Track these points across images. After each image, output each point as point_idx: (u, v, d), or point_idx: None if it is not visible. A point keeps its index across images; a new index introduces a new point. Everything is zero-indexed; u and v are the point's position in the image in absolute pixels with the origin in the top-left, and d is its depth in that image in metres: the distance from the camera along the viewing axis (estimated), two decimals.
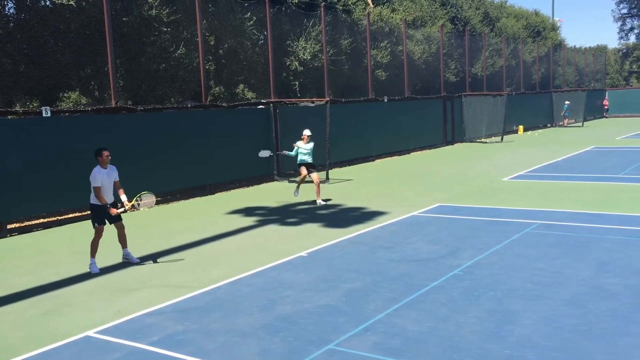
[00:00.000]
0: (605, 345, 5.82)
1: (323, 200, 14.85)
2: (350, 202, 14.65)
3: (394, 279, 8.26)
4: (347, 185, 18.06)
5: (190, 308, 7.41)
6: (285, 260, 9.45)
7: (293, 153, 15.07)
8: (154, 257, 9.95)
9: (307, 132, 14.92)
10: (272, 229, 12.08)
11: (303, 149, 14.84)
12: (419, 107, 28.41)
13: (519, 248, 9.61)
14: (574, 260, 8.76)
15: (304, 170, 14.84)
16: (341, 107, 22.89)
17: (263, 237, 11.28)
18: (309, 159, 14.85)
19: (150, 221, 13.42)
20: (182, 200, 16.31)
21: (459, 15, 36.47)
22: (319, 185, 14.83)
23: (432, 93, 30.95)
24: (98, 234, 9.28)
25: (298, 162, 14.98)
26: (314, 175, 14.75)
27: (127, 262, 9.62)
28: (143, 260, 9.60)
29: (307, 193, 16.25)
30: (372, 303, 7.29)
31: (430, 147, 28.96)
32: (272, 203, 15.16)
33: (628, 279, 7.81)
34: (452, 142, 30.96)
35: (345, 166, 22.77)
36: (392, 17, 29.08)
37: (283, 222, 12.66)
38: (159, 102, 18.11)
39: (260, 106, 20.31)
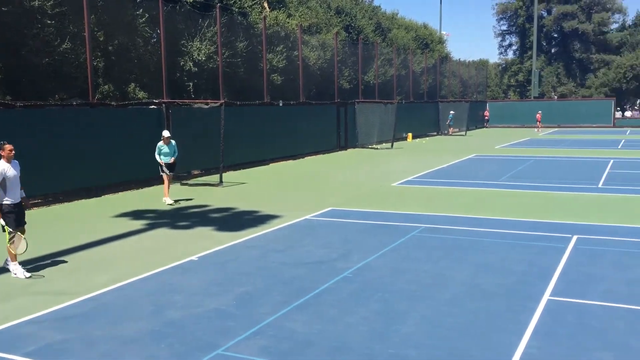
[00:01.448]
0: (481, 342, 6.20)
1: (173, 200, 15.14)
2: (243, 206, 14.58)
3: (286, 282, 8.32)
4: (241, 188, 17.96)
5: (72, 316, 7.05)
6: (175, 265, 9.24)
7: (157, 155, 15.23)
8: (34, 263, 9.37)
9: (166, 134, 15.19)
10: (162, 232, 11.77)
11: (164, 150, 15.07)
12: (314, 112, 28.84)
13: (406, 251, 10.01)
14: (455, 262, 9.25)
15: (166, 175, 15.15)
16: (236, 110, 22.75)
17: (152, 241, 10.96)
18: (170, 160, 15.15)
19: (31, 224, 12.59)
20: (66, 203, 15.47)
21: (353, 24, 37.45)
22: (168, 186, 15.18)
23: (326, 99, 31.52)
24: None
25: (161, 165, 15.19)
26: (168, 175, 15.15)
27: (5, 268, 8.98)
28: (23, 265, 9.01)
29: (197, 195, 15.99)
30: (262, 307, 7.30)
31: (324, 151, 29.45)
32: (163, 206, 14.76)
33: (503, 278, 8.37)
34: (345, 148, 31.68)
35: (240, 169, 22.63)
36: (288, 22, 29.33)
37: (173, 226, 12.36)
38: (42, 98, 17.09)
39: (152, 106, 19.72)
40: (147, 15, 20.50)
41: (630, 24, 76.17)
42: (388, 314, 7.04)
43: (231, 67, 24.32)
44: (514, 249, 9.97)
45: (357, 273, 8.70)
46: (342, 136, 31.61)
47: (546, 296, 7.56)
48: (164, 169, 15.14)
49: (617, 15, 74.94)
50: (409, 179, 19.33)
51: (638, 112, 73.69)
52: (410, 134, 39.17)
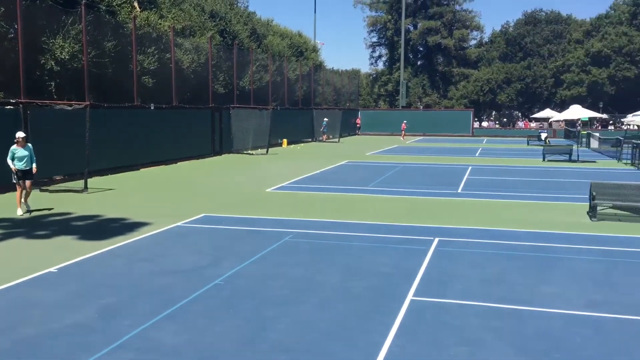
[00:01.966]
0: (348, 343, 6.37)
1: (28, 211, 13.78)
2: (109, 213, 13.90)
3: (153, 292, 8.03)
4: (108, 195, 17.12)
5: None
6: (31, 277, 8.59)
7: (10, 161, 13.64)
8: None
9: (20, 135, 13.69)
10: (17, 243, 10.90)
11: (19, 154, 13.59)
12: (188, 117, 28.22)
13: (277, 256, 10.06)
14: (325, 266, 9.44)
15: (23, 182, 13.60)
16: (104, 113, 21.68)
17: (7, 252, 10.12)
18: (26, 166, 13.66)
19: None
20: None
21: (228, 29, 37.16)
22: (29, 194, 13.83)
23: (201, 103, 30.97)
24: None
25: (15, 172, 13.59)
26: (28, 183, 13.68)
27: None
28: None
29: (58, 202, 15.02)
30: (127, 318, 6.98)
31: (198, 157, 28.90)
32: (20, 214, 13.68)
33: (370, 281, 8.66)
34: (220, 153, 31.30)
35: (107, 175, 21.56)
36: (160, 24, 28.49)
37: (31, 235, 11.50)
38: None
39: (8, 107, 18.25)
40: (3, 9, 18.97)
41: (487, 41, 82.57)
42: (258, 320, 7.02)
43: (98, 67, 23.14)
44: (382, 252, 10.37)
45: (228, 280, 8.60)
46: (216, 141, 31.21)
47: (409, 297, 7.93)
48: (18, 176, 13.56)
49: (475, 32, 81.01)
50: (283, 184, 19.49)
51: (493, 123, 79.98)
52: (285, 140, 39.54)
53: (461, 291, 8.20)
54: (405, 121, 52.22)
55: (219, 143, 31.48)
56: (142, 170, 23.73)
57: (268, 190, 18.22)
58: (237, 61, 35.01)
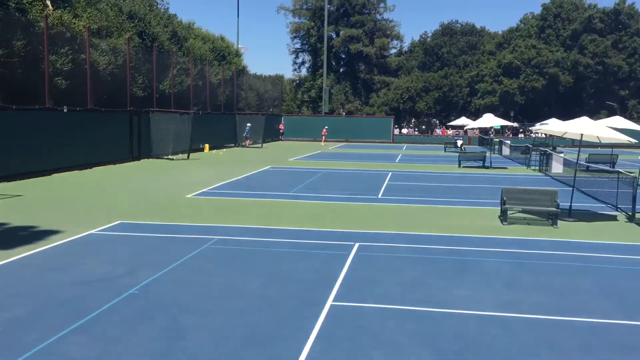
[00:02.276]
0: (267, 351, 6.33)
1: None
2: (17, 221, 13.18)
3: (63, 303, 7.67)
4: (16, 201, 16.23)
5: None
6: None
7: None
8: None
9: None
10: None
11: None
12: (104, 120, 27.24)
13: (197, 264, 9.87)
14: (246, 273, 9.36)
15: None
16: (11, 115, 20.56)
17: None
18: None
19: None
20: None
21: (147, 31, 36.25)
22: None
23: (118, 106, 29.99)
24: None
25: None
26: None
27: None
28: None
29: None
30: (34, 332, 6.63)
31: (115, 162, 27.95)
32: None
33: (291, 287, 8.66)
34: (138, 158, 30.42)
35: (16, 180, 20.45)
36: (75, 23, 27.39)
37: None
38: None
39: None
40: None
41: (406, 50, 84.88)
42: (175, 330, 6.85)
43: (6, 67, 21.95)
44: (303, 258, 10.39)
45: (144, 289, 8.35)
46: (135, 146, 30.31)
47: (329, 302, 7.99)
48: None
49: (395, 42, 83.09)
50: (204, 190, 19.18)
51: (413, 130, 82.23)
52: (207, 145, 38.96)
53: (380, 295, 8.34)
54: (326, 127, 52.78)
55: (138, 148, 30.59)
56: (54, 175, 22.67)
57: (188, 196, 17.87)
58: (157, 64, 34.19)
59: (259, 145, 47.22)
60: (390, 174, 25.91)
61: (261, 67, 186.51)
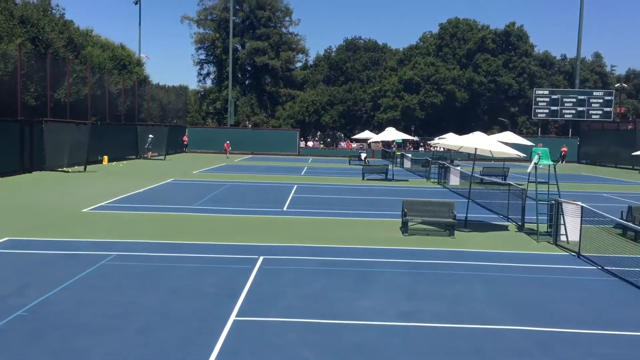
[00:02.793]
0: None
1: None
2: None
3: None
4: None
5: None
6: None
7: None
8: None
9: None
10: None
11: None
12: None
13: (93, 281, 9.42)
14: (147, 290, 9.04)
15: None
16: None
17: None
18: None
19: None
20: None
21: (40, 37, 34.46)
22: None
23: (8, 115, 28.20)
24: None
25: None
26: None
27: None
28: None
29: None
30: None
31: (3, 174, 26.20)
32: None
33: (194, 302, 8.45)
34: (30, 170, 28.69)
35: None
36: None
37: None
38: None
39: None
40: None
41: (312, 64, 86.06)
42: (68, 352, 6.49)
43: None
44: (207, 273, 10.19)
45: (34, 310, 7.85)
46: (26, 157, 28.57)
47: (232, 317, 7.88)
48: None
49: (300, 55, 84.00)
50: (103, 204, 18.38)
51: (318, 143, 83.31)
52: (106, 157, 37.42)
53: (283, 309, 8.33)
54: (228, 141, 52.34)
55: (29, 159, 28.86)
56: None
57: (85, 210, 17.06)
58: (51, 72, 32.51)
59: (162, 157, 46.00)
60: (295, 186, 26.04)
61: (165, 77, 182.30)
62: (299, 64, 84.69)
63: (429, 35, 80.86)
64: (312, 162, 47.68)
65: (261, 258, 11.40)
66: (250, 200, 20.74)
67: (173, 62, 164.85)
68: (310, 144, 80.00)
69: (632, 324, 8.14)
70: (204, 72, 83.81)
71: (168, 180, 26.88)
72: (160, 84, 58.07)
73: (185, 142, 57.21)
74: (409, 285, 9.86)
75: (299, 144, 61.26)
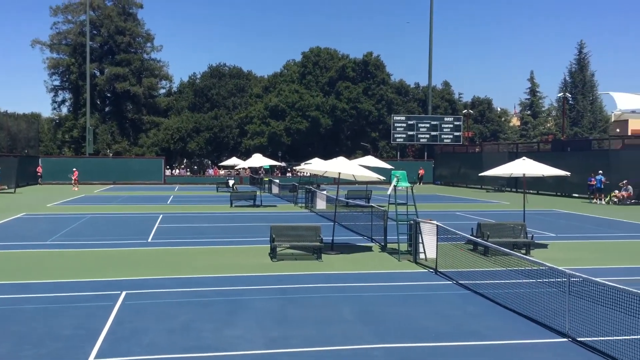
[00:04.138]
0: None
1: None
2: None
3: None
4: None
5: None
6: None
7: None
8: None
9: None
10: None
11: None
12: None
13: None
14: None
15: None
16: None
17: None
18: None
19: None
20: None
21: None
22: None
23: None
24: None
25: None
26: None
27: None
28: None
29: None
30: None
31: None
32: None
33: (46, 347, 7.81)
34: None
35: None
36: None
37: None
38: None
39: None
40: None
41: (176, 90, 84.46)
42: None
43: None
44: (62, 313, 9.48)
45: None
46: None
47: (91, 359, 7.38)
48: None
49: (164, 82, 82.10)
50: None
51: (185, 170, 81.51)
52: None
53: (147, 345, 7.96)
54: (75, 169, 48.58)
55: None
56: None
57: None
58: None
59: (12, 190, 42.49)
60: (161, 216, 25.19)
61: (14, 104, 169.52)
62: (162, 91, 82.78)
63: (292, 63, 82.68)
64: (179, 191, 46.48)
65: (124, 293, 10.84)
66: (111, 232, 19.72)
67: (24, 89, 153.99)
68: (176, 171, 77.99)
69: (485, 333, 8.74)
70: (59, 99, 78.98)
71: (18, 215, 24.84)
72: (8, 112, 53.90)
73: (39, 173, 53.33)
74: (279, 311, 9.86)
75: (165, 172, 59.52)
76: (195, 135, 74.33)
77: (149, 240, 18.09)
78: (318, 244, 14.99)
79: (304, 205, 30.89)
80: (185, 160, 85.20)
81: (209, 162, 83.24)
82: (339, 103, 73.34)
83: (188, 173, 78.64)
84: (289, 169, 66.85)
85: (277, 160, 59.33)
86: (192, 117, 75.85)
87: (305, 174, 51.53)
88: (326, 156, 42.72)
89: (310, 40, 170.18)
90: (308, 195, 30.73)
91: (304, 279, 12.39)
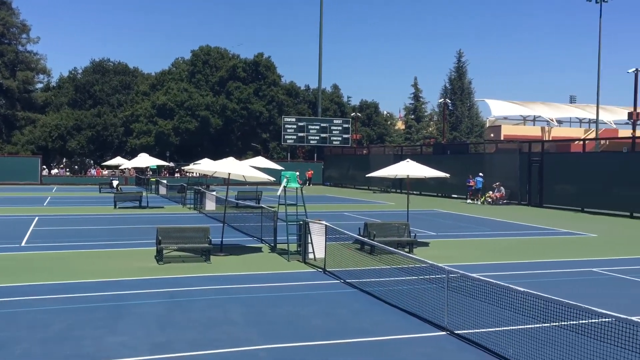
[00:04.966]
0: None
1: None
2: None
3: None
4: None
5: None
6: None
7: None
8: None
9: None
10: None
11: None
12: None
13: None
14: None
15: None
16: None
17: None
18: None
19: None
20: None
21: None
22: None
23: None
24: None
25: None
26: None
27: None
28: None
29: None
30: None
31: None
32: None
33: None
34: None
35: None
36: None
37: None
38: None
39: None
40: None
41: (55, 85, 79.61)
42: None
43: None
44: None
45: None
46: None
47: None
48: None
49: (42, 76, 77.06)
50: None
51: (64, 170, 76.99)
52: None
53: (20, 356, 7.43)
54: None
55: None
56: None
57: None
58: None
59: None
60: (36, 218, 23.63)
61: None
62: (39, 85, 77.68)
63: (181, 61, 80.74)
64: (57, 192, 43.87)
65: None
66: None
67: None
68: (55, 171, 73.45)
69: (370, 330, 9.00)
70: None
71: None
72: None
73: None
74: (164, 315, 9.58)
75: (41, 172, 55.91)
76: (76, 133, 70.44)
77: (22, 244, 16.93)
78: (206, 245, 14.74)
79: (192, 206, 30.25)
80: (64, 160, 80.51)
81: (92, 161, 79.20)
82: (230, 103, 72.60)
83: (68, 173, 74.29)
84: (177, 170, 65.18)
85: (165, 161, 57.64)
86: (72, 114, 71.81)
87: (194, 174, 50.53)
88: (216, 156, 42.08)
89: (200, 38, 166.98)
90: (197, 196, 30.13)
91: (192, 282, 12.13)
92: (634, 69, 52.13)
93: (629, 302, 10.84)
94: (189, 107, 70.78)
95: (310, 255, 14.65)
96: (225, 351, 7.86)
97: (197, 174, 46.50)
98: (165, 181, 43.99)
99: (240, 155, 56.48)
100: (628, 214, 27.69)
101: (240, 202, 28.11)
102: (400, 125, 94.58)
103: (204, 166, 21.99)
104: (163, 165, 53.72)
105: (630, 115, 55.39)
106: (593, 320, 7.12)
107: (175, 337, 8.38)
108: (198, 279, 12.41)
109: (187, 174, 55.19)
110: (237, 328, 8.95)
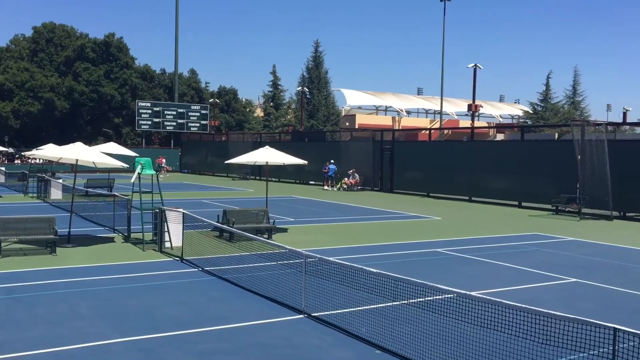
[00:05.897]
0: None
1: None
2: None
3: None
4: None
5: None
6: None
7: None
8: None
9: None
10: None
11: None
12: None
13: None
14: None
15: None
16: None
17: None
18: None
19: None
20: None
21: None
22: None
23: None
24: None
25: None
26: None
27: None
28: None
29: None
30: None
31: None
32: None
33: None
34: None
35: None
36: None
37: None
38: None
39: None
40: None
41: None
42: None
43: None
44: None
45: None
46: None
47: None
48: None
49: None
50: None
51: None
52: None
53: None
54: None
55: None
56: None
57: None
58: None
59: None
60: None
61: None
62: None
63: (21, 38, 74.15)
64: None
65: None
66: None
67: None
68: None
69: (228, 317, 8.94)
70: None
71: None
72: None
73: None
74: (4, 313, 8.79)
75: None
76: None
77: None
78: (52, 236, 13.75)
79: (35, 195, 28.03)
80: None
81: None
82: (78, 85, 68.00)
83: None
84: (17, 156, 59.95)
85: (4, 146, 52.75)
86: None
87: (37, 160, 46.85)
88: (63, 142, 39.18)
89: (43, 14, 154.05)
90: (41, 184, 27.96)
91: (35, 276, 11.25)
92: (473, 64, 56.38)
93: (468, 279, 11.80)
94: (31, 88, 65.31)
95: (167, 244, 14.23)
96: (75, 347, 7.39)
97: (42, 161, 43.14)
98: (3, 168, 40.32)
99: (90, 140, 53.17)
100: (467, 198, 30.12)
101: (90, 190, 26.49)
102: (259, 112, 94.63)
103: (48, 152, 20.40)
104: (2, 151, 49.23)
105: (469, 107, 59.88)
106: (437, 297, 7.66)
107: (15, 337, 7.73)
108: (42, 273, 11.54)
109: (30, 160, 51.03)
110: (87, 323, 8.45)
